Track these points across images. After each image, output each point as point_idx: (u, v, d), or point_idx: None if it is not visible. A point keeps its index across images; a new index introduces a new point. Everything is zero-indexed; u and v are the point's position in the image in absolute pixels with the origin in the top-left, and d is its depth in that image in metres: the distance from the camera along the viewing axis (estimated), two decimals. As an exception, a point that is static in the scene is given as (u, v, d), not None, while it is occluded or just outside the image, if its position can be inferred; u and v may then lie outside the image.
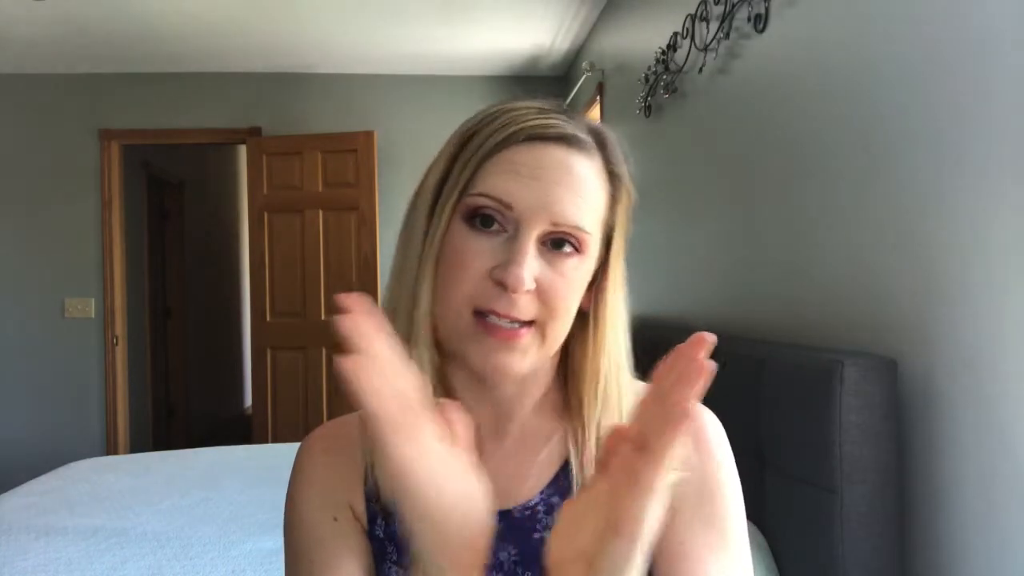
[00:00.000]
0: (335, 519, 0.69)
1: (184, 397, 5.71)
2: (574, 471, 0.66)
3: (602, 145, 0.66)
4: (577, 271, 0.63)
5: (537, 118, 0.63)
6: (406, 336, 0.64)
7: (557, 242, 0.62)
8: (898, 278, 1.30)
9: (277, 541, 1.85)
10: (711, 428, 0.70)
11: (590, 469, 0.65)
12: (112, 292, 4.26)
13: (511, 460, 0.68)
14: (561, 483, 0.67)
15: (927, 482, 1.23)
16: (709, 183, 2.22)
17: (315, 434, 0.74)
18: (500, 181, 0.61)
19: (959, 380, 1.15)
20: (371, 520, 0.68)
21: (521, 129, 0.62)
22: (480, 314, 0.61)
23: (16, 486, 2.37)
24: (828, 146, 1.52)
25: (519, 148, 0.62)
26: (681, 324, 2.40)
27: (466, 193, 0.62)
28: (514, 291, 0.59)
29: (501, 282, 0.59)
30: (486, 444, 0.68)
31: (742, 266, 1.98)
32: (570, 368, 0.70)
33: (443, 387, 0.68)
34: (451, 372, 0.68)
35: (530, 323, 0.61)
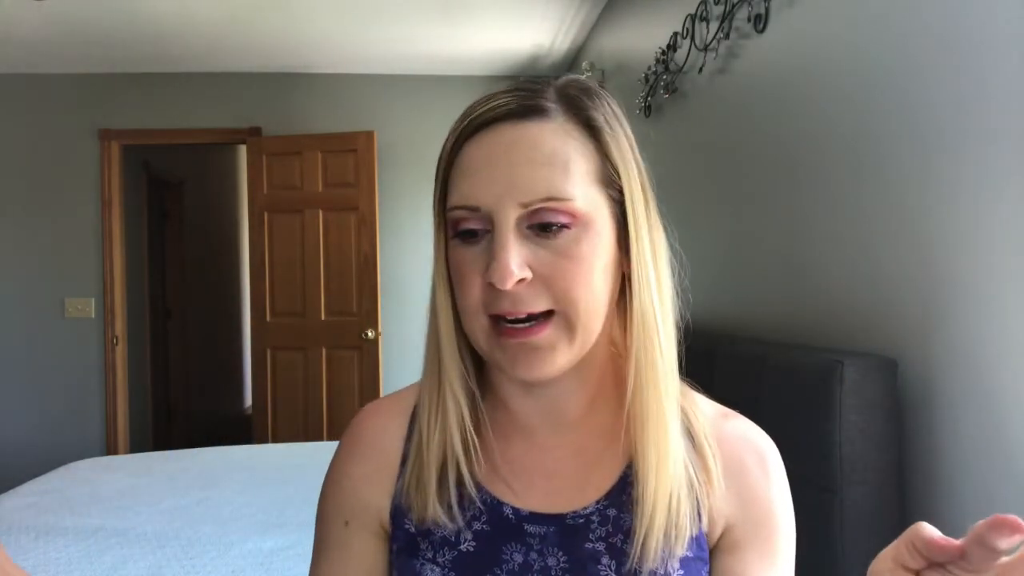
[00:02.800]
0: (346, 523, 0.68)
1: (184, 397, 5.71)
2: (635, 486, 0.61)
3: (567, 100, 0.61)
4: (579, 245, 0.58)
5: (480, 107, 0.60)
6: (438, 363, 0.64)
7: (545, 226, 0.58)
8: (898, 278, 1.30)
9: (277, 541, 1.85)
10: (775, 459, 0.68)
11: (650, 474, 0.60)
12: (112, 292, 4.26)
13: (570, 463, 0.65)
14: (620, 495, 0.63)
15: (927, 482, 1.23)
16: (709, 183, 2.22)
17: (353, 422, 0.73)
18: (463, 187, 0.60)
19: (959, 380, 1.15)
20: (401, 515, 0.66)
21: (466, 126, 0.60)
22: (496, 320, 0.59)
23: (16, 486, 2.37)
24: (828, 145, 1.52)
25: (469, 145, 0.60)
26: (681, 324, 2.40)
27: (446, 211, 0.61)
28: (502, 286, 0.56)
29: (492, 283, 0.58)
30: (542, 447, 0.66)
31: (742, 266, 1.98)
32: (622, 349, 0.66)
33: (496, 398, 0.67)
34: (501, 384, 0.67)
35: (549, 314, 0.58)
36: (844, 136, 1.46)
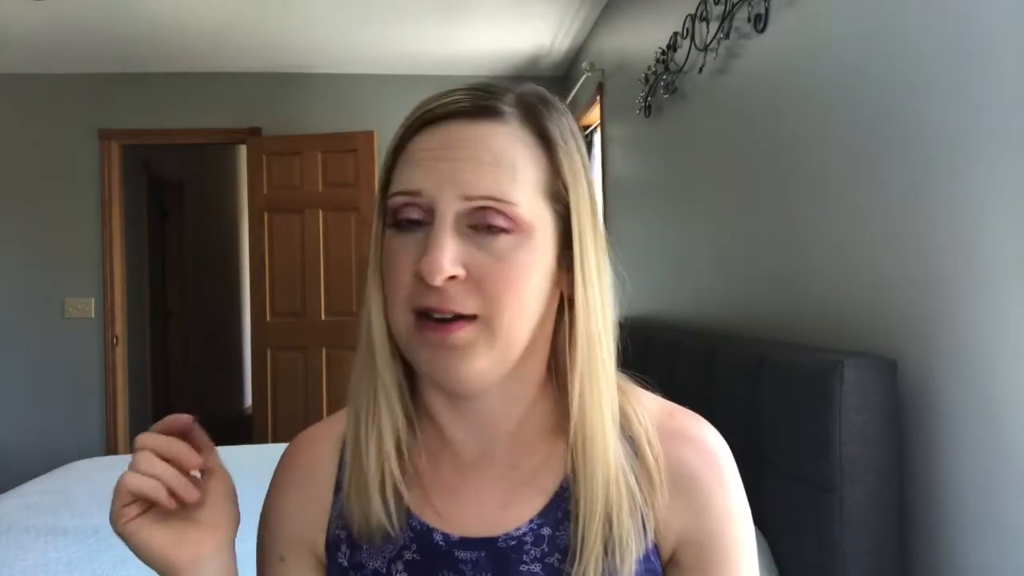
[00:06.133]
0: (281, 558, 0.66)
1: (184, 397, 5.71)
2: (570, 502, 0.59)
3: (525, 108, 0.60)
4: (517, 251, 0.57)
5: (434, 102, 0.59)
6: (371, 365, 0.62)
7: (485, 224, 0.56)
8: (898, 278, 1.30)
9: (277, 541, 1.85)
10: (728, 461, 0.63)
11: (591, 497, 0.58)
12: (112, 292, 4.26)
13: (500, 482, 0.63)
14: (555, 512, 0.61)
15: (927, 482, 1.23)
16: (709, 183, 2.22)
17: (287, 450, 0.71)
18: (407, 174, 0.58)
19: (959, 380, 1.15)
20: (335, 547, 0.64)
21: (418, 117, 0.59)
22: (420, 316, 0.57)
23: (16, 486, 2.37)
24: (828, 146, 1.52)
25: (420, 136, 0.59)
26: (682, 324, 2.40)
27: (386, 199, 0.60)
28: (431, 279, 0.54)
29: (421, 274, 0.55)
30: (471, 467, 0.64)
31: (742, 265, 1.97)
32: (556, 366, 0.63)
33: (423, 412, 0.65)
34: (429, 396, 0.64)
35: (472, 318, 0.56)
36: (844, 136, 1.46)
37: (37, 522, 1.92)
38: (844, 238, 1.47)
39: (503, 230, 0.56)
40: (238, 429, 5.86)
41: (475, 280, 0.56)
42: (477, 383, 0.58)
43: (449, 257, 0.55)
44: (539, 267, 0.58)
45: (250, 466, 2.54)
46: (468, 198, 0.56)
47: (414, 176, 0.58)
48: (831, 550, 1.23)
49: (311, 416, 4.07)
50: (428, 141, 0.58)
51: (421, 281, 0.56)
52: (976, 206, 1.11)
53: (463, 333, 0.56)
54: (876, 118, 1.35)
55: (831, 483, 1.22)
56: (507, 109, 0.59)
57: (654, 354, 2.00)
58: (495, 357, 0.57)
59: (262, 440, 4.12)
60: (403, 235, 0.58)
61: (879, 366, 1.22)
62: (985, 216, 1.10)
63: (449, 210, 0.56)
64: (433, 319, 0.56)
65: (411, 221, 0.58)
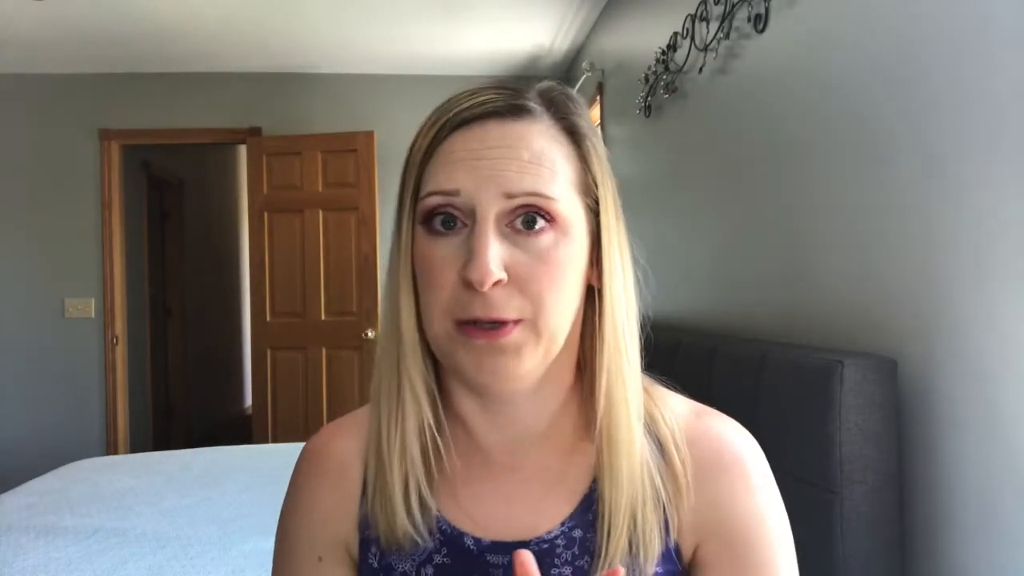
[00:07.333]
0: (320, 559, 0.65)
1: (184, 397, 5.71)
2: (603, 499, 0.59)
3: (551, 104, 0.60)
4: (557, 249, 0.57)
5: (466, 101, 0.59)
6: (397, 366, 0.61)
7: (527, 221, 0.56)
8: (898, 278, 1.30)
9: (277, 541, 1.85)
10: (757, 463, 0.62)
11: (616, 490, 0.58)
12: (112, 292, 4.26)
13: (531, 484, 0.62)
14: (586, 514, 0.61)
15: (927, 482, 1.23)
16: (709, 183, 2.22)
17: (313, 445, 0.69)
18: (443, 174, 0.57)
19: (959, 380, 1.15)
20: (365, 548, 0.63)
21: (450, 119, 0.58)
22: (463, 324, 0.56)
23: (16, 486, 2.37)
24: (827, 146, 1.52)
25: (454, 137, 0.58)
26: (681, 324, 2.40)
27: (417, 199, 0.59)
28: (481, 285, 0.54)
29: (468, 281, 0.55)
30: (501, 469, 0.63)
31: (742, 266, 1.98)
32: (583, 362, 0.63)
33: (452, 414, 0.64)
34: (459, 398, 0.63)
35: (517, 321, 0.56)
36: (844, 136, 1.46)
37: (37, 522, 1.92)
38: (844, 238, 1.47)
39: (544, 227, 0.56)
40: (238, 429, 5.87)
41: (518, 283, 0.56)
42: (526, 381, 0.58)
43: (495, 261, 0.54)
44: (576, 263, 0.59)
45: (250, 466, 2.55)
46: (510, 196, 0.56)
47: (452, 175, 0.57)
48: (831, 550, 1.23)
49: (311, 416, 4.07)
50: (464, 142, 0.58)
51: (466, 287, 0.55)
52: (976, 205, 1.11)
53: (512, 336, 0.56)
54: (876, 118, 1.35)
55: (831, 483, 1.22)
56: (537, 107, 0.60)
57: (654, 354, 2.00)
58: (541, 356, 0.57)
59: (262, 440, 4.12)
60: (438, 239, 0.57)
61: (879, 366, 1.22)
62: (985, 215, 1.10)
63: (491, 210, 0.56)
64: (476, 323, 0.56)
65: (447, 223, 0.57)
